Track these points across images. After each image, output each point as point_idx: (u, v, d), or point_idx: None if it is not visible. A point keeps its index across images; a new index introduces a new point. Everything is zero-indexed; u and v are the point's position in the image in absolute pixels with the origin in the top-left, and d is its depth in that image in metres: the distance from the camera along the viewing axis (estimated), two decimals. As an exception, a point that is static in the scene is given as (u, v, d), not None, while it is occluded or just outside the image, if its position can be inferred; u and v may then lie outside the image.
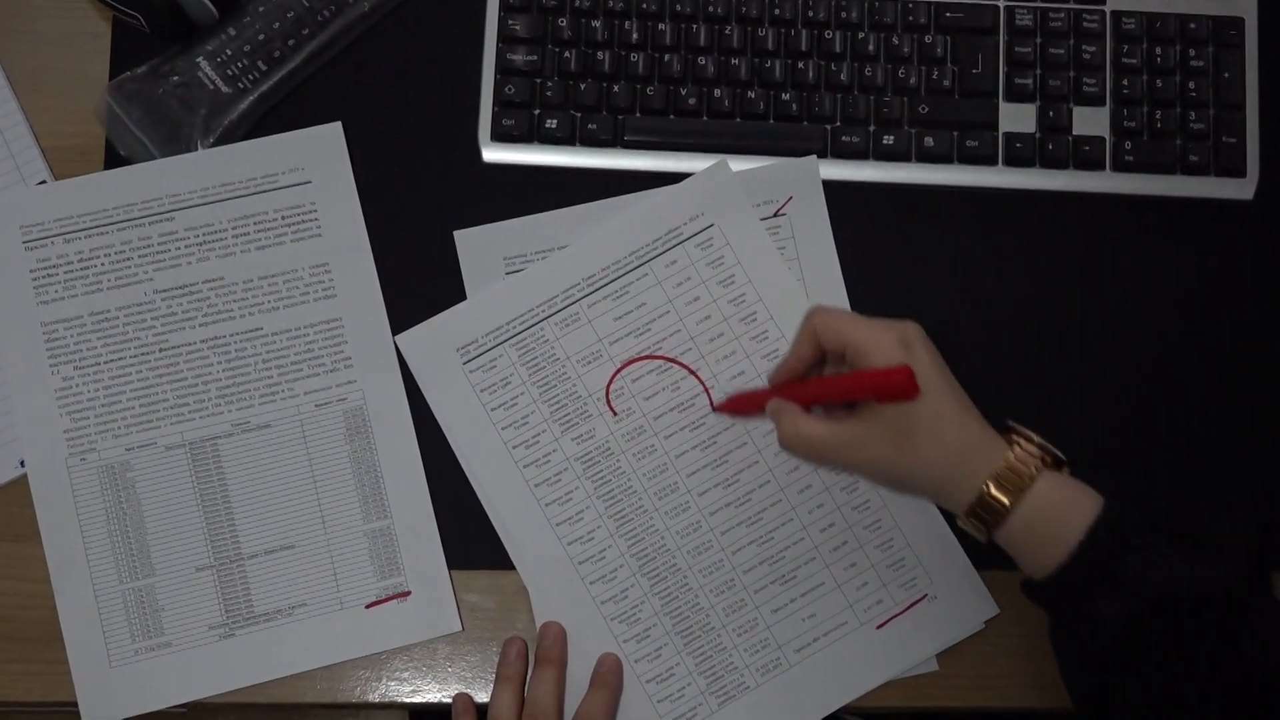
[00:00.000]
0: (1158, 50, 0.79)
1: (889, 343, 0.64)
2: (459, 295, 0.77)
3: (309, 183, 0.77)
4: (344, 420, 0.75)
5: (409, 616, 0.74)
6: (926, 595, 0.74)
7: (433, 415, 0.76)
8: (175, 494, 0.74)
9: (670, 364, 0.76)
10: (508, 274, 0.76)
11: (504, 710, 0.71)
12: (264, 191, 0.77)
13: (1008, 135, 0.78)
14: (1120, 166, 0.78)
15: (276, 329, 0.76)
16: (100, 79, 0.79)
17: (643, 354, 0.76)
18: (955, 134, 0.78)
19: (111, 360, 0.75)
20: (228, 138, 0.77)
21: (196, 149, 0.77)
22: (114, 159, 0.77)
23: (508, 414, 0.75)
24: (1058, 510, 0.63)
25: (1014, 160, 0.78)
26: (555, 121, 0.77)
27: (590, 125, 0.77)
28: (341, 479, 0.75)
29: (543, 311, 0.76)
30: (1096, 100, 0.78)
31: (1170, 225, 0.79)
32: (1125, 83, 0.78)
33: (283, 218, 0.77)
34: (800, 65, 0.78)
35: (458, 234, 0.77)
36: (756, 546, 0.74)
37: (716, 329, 0.76)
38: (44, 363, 0.75)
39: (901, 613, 0.74)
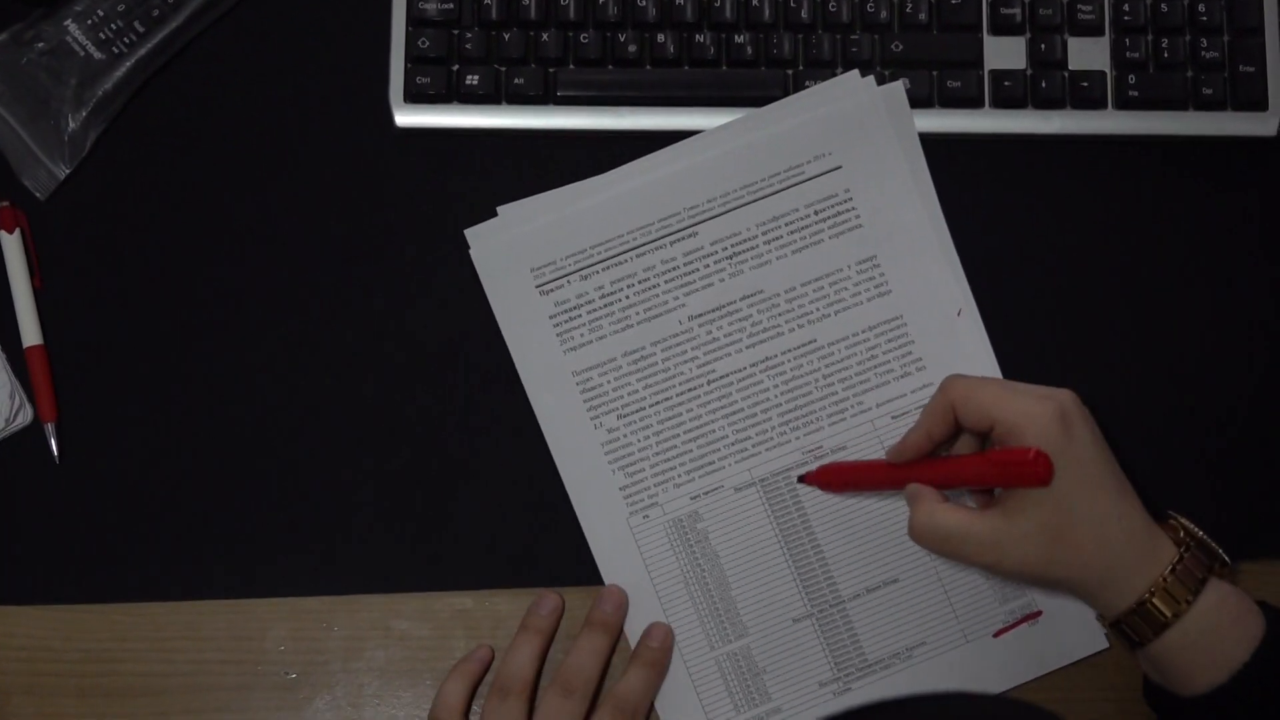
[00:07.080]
0: (1161, -31, 0.71)
1: (1045, 419, 0.56)
2: (389, 286, 0.70)
3: None
4: None
5: (1044, 640, 0.66)
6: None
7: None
8: (754, 539, 0.67)
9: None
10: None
11: (520, 667, 0.64)
12: None
13: (994, 73, 0.70)
14: (1124, 104, 0.71)
15: (831, 339, 0.68)
16: (-46, 49, 0.71)
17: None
18: (935, 74, 0.70)
19: (657, 403, 0.68)
20: (102, 110, 0.69)
21: (68, 125, 0.68)
22: (-27, 141, 0.70)
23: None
24: (1222, 626, 0.56)
25: (1002, 101, 0.70)
26: (476, 77, 0.70)
27: (517, 80, 0.70)
28: None
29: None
30: (1094, 30, 0.71)
31: (1182, 168, 0.72)
32: (1126, 8, 0.71)
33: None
34: (755, 3, 0.70)
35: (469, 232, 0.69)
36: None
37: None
38: (584, 416, 0.68)
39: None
